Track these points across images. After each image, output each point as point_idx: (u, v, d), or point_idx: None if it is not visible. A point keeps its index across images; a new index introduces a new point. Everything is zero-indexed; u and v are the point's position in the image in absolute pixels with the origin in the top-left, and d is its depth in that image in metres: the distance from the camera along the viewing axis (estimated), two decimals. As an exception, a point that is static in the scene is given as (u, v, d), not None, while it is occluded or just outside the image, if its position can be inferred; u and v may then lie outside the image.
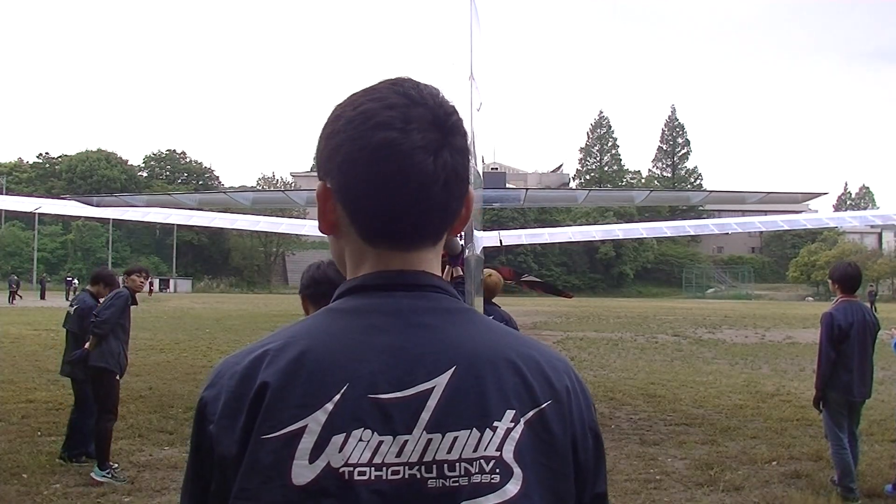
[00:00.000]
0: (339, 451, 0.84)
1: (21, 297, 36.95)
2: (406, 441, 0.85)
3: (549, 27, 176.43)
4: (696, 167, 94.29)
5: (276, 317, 26.32)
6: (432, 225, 0.96)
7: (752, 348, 18.59)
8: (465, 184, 0.96)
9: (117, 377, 6.40)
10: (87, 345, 6.36)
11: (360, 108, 0.93)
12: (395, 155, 0.90)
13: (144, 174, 78.98)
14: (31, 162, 77.28)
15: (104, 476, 6.06)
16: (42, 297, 41.37)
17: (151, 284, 52.65)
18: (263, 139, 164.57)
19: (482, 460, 0.86)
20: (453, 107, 0.96)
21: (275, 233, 49.88)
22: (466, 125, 1.00)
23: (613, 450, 7.21)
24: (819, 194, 8.15)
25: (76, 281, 43.19)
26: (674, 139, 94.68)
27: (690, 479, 6.36)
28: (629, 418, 9.06)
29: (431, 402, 0.87)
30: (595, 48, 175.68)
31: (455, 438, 0.86)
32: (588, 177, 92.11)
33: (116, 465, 6.29)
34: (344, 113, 0.94)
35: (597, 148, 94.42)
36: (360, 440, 0.85)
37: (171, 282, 62.99)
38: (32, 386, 10.30)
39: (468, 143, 0.97)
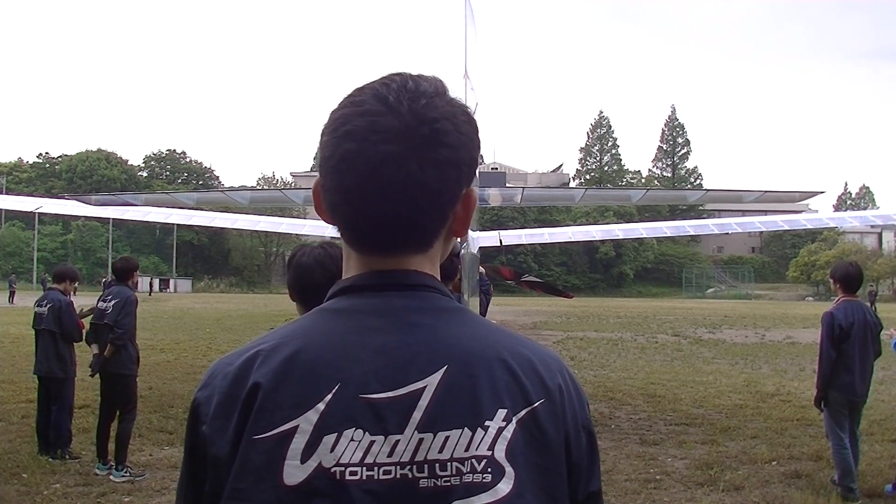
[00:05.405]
0: (331, 451, 0.84)
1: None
2: (398, 441, 0.85)
3: (548, 27, 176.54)
4: (696, 167, 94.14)
5: (276, 317, 26.29)
6: (404, 236, 0.93)
7: (752, 348, 18.58)
8: (442, 196, 0.92)
9: (136, 378, 6.61)
10: (99, 351, 6.42)
11: (340, 111, 0.92)
12: (356, 167, 0.89)
13: (144, 174, 78.86)
14: (31, 162, 77.20)
15: (123, 476, 6.10)
16: (42, 297, 41.19)
17: (151, 284, 52.80)
18: (263, 139, 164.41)
19: (474, 460, 0.86)
20: (439, 115, 0.90)
21: (275, 232, 49.90)
22: None
23: (613, 450, 7.20)
24: (816, 193, 8.19)
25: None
26: (674, 139, 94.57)
27: (690, 479, 6.36)
28: (629, 418, 9.05)
29: (423, 402, 0.86)
30: (595, 48, 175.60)
31: (447, 438, 0.86)
32: (588, 177, 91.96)
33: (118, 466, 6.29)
34: (332, 113, 0.94)
35: (597, 148, 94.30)
36: (352, 440, 0.85)
37: (171, 282, 62.98)
38: (32, 386, 10.22)
39: (456, 151, 0.91)
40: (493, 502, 0.86)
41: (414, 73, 0.95)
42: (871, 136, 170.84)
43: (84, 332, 6.89)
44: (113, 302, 6.37)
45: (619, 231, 23.76)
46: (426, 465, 0.85)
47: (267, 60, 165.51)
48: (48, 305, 6.97)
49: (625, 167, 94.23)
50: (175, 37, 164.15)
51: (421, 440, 0.85)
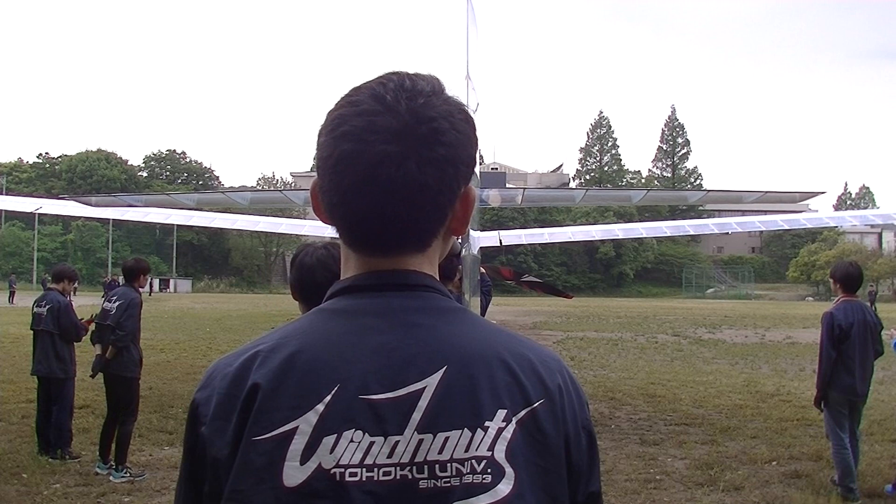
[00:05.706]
0: (331, 453, 0.84)
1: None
2: (397, 442, 0.85)
3: (548, 27, 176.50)
4: (696, 167, 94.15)
5: (276, 317, 26.30)
6: (402, 235, 0.93)
7: (752, 348, 18.58)
8: (441, 195, 0.91)
9: (139, 380, 6.58)
10: (102, 352, 6.40)
11: (337, 111, 0.92)
12: (354, 167, 0.88)
13: (144, 174, 78.86)
14: (31, 162, 77.17)
15: (123, 477, 6.10)
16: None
17: (151, 285, 52.76)
18: (263, 139, 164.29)
19: (474, 460, 0.86)
20: (437, 113, 0.90)
21: (275, 233, 49.90)
22: None
23: (613, 450, 7.20)
24: (816, 193, 8.14)
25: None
26: (674, 139, 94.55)
27: (690, 479, 6.36)
28: (629, 418, 9.05)
29: (423, 403, 0.86)
30: (595, 48, 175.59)
31: (446, 439, 0.86)
32: (588, 177, 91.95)
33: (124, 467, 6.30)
34: (329, 113, 0.94)
35: (597, 148, 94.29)
36: (352, 441, 0.84)
37: (171, 282, 63.01)
38: (32, 386, 10.21)
39: (454, 149, 0.91)
40: (494, 503, 0.86)
41: (411, 71, 0.95)
42: (872, 136, 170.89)
43: (89, 332, 6.90)
44: (117, 303, 6.36)
45: (619, 231, 23.76)
46: (426, 466, 0.85)
47: (267, 60, 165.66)
48: (47, 306, 6.96)
49: (625, 167, 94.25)
50: (175, 37, 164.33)
51: (421, 441, 0.85)
